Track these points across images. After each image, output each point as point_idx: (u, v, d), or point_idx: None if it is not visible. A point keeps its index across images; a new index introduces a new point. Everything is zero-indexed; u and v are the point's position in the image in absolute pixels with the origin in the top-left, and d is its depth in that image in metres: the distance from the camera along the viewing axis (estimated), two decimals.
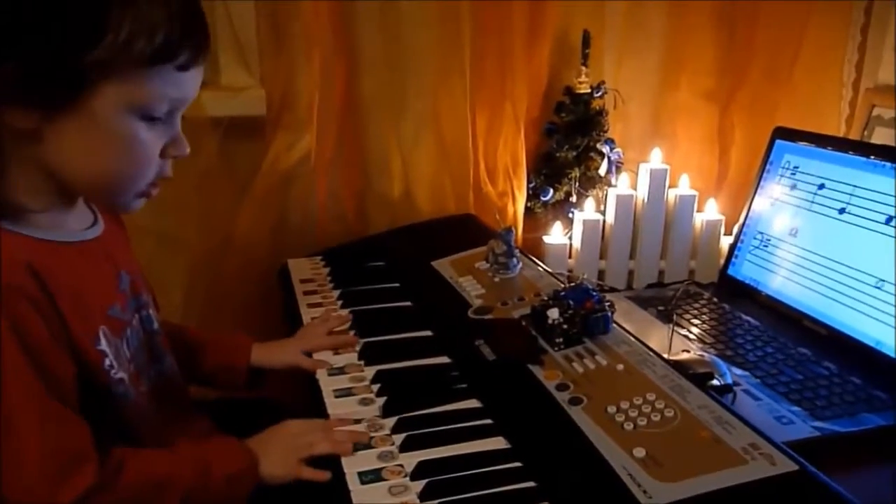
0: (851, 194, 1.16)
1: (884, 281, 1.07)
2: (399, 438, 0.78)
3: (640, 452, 0.70)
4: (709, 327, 1.18)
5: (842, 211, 1.16)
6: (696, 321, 1.20)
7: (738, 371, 1.03)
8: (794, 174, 1.27)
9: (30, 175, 0.69)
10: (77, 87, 0.64)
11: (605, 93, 1.45)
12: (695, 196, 1.46)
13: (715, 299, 1.28)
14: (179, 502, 0.71)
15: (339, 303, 1.12)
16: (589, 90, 1.43)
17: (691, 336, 1.15)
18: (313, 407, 0.87)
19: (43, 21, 0.62)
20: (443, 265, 1.20)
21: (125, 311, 0.79)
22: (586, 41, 1.40)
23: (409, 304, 1.12)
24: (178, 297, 1.30)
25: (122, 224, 0.88)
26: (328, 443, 0.78)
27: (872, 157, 1.14)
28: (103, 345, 0.73)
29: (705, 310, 1.24)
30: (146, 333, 0.84)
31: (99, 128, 0.67)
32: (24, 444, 0.63)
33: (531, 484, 0.70)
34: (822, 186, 1.21)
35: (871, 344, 1.06)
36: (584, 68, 1.42)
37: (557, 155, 1.45)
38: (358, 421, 0.82)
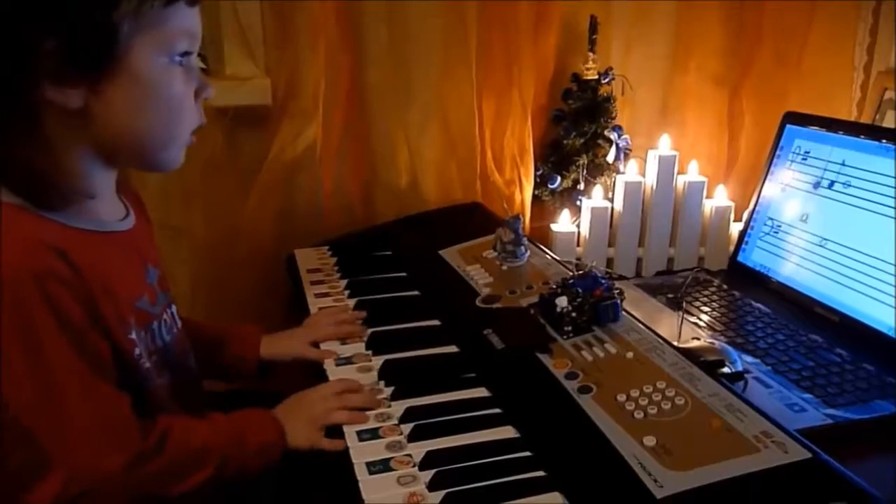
0: (863, 178, 1.14)
1: None
2: (407, 428, 0.77)
3: (650, 441, 0.69)
4: (719, 315, 1.17)
5: (853, 195, 1.15)
6: (705, 308, 1.19)
7: (749, 358, 1.02)
8: (804, 159, 1.26)
9: (76, 159, 0.71)
10: (113, 46, 0.67)
11: (613, 79, 1.44)
12: (704, 182, 1.45)
13: (725, 286, 1.27)
14: (217, 470, 0.74)
15: (347, 292, 1.12)
16: (596, 76, 1.41)
17: (701, 323, 1.14)
18: None
19: None
20: (450, 254, 1.19)
21: (154, 305, 0.81)
22: (593, 27, 1.39)
23: (416, 293, 1.11)
24: (185, 287, 1.29)
25: (149, 219, 0.90)
26: (344, 413, 0.80)
27: (884, 140, 1.13)
28: (133, 334, 0.75)
29: (715, 297, 1.23)
30: (178, 329, 0.86)
31: (141, 83, 0.69)
32: (71, 417, 0.66)
33: (541, 473, 0.70)
34: (833, 171, 1.20)
35: (884, 330, 1.05)
36: (591, 54, 1.40)
37: (565, 142, 1.44)
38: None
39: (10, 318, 0.64)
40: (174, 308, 0.86)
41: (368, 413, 0.81)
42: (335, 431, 0.79)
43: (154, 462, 0.70)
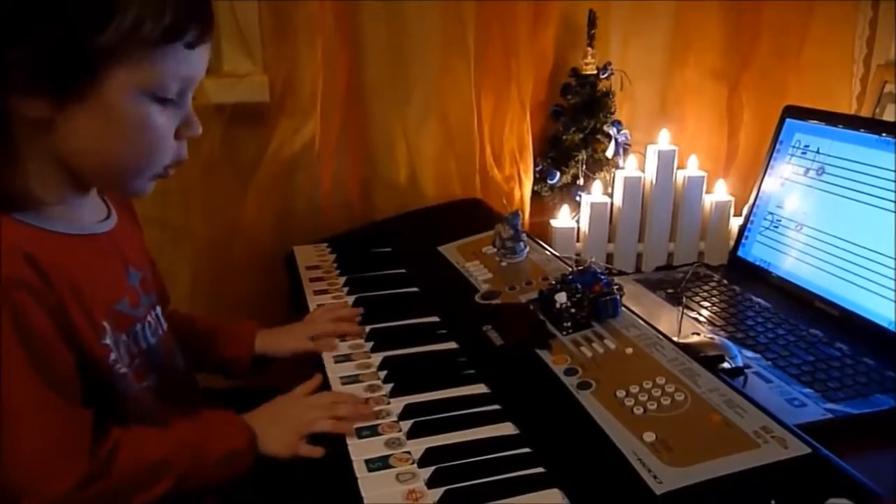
0: (863, 172, 1.14)
1: None
2: (406, 425, 0.77)
3: (650, 437, 0.69)
4: (719, 310, 1.17)
5: (852, 189, 1.15)
6: (705, 304, 1.19)
7: (749, 353, 1.02)
8: (804, 153, 1.25)
9: (43, 165, 0.69)
10: (87, 72, 0.64)
11: (612, 74, 1.43)
12: (703, 177, 1.44)
13: (725, 281, 1.27)
14: (176, 481, 0.71)
15: (346, 289, 1.11)
16: (595, 71, 1.41)
17: (701, 319, 1.14)
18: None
19: (52, 6, 0.62)
20: (449, 250, 1.19)
21: (136, 307, 0.79)
22: (592, 21, 1.38)
23: (415, 289, 1.11)
24: (185, 284, 1.29)
25: (136, 220, 0.88)
26: (329, 421, 0.77)
27: (884, 134, 1.12)
28: (108, 339, 0.73)
29: (715, 292, 1.23)
30: (164, 330, 0.84)
31: (111, 114, 0.67)
32: (21, 434, 0.64)
33: (540, 470, 0.70)
34: (833, 165, 1.19)
35: (884, 324, 1.04)
36: (590, 49, 1.40)
37: (564, 137, 1.44)
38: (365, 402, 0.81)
39: None
40: (159, 310, 0.84)
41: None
42: (328, 440, 0.77)
43: (103, 481, 0.67)
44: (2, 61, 0.62)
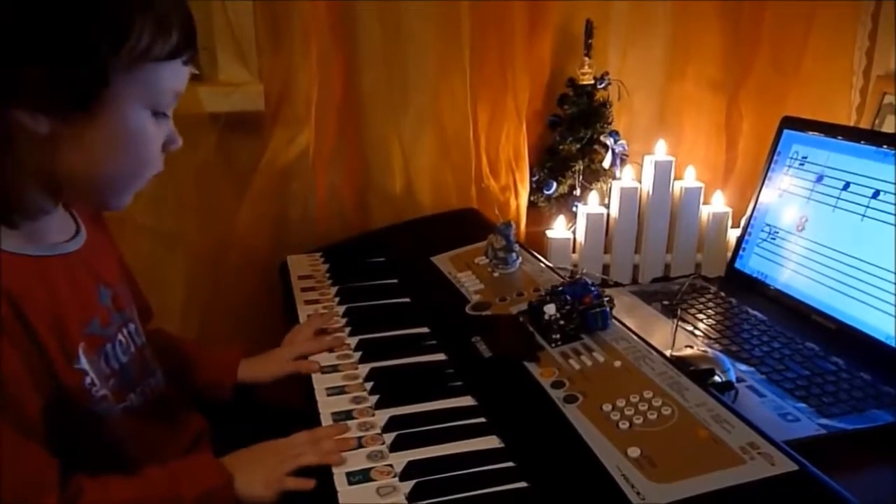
0: (862, 185, 1.13)
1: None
2: (390, 437, 0.76)
3: (634, 452, 0.68)
4: (714, 322, 1.16)
5: (851, 201, 1.13)
6: (701, 316, 1.18)
7: (743, 367, 1.01)
8: (802, 164, 1.24)
9: (28, 182, 0.69)
10: (99, 90, 0.65)
11: (609, 84, 1.43)
12: (701, 188, 1.43)
13: (722, 293, 1.26)
14: None
15: (337, 299, 1.11)
16: (592, 81, 1.40)
17: (697, 332, 1.13)
18: (306, 405, 0.85)
19: (70, 27, 0.63)
20: (442, 260, 1.18)
21: (107, 327, 0.77)
22: (589, 31, 1.38)
23: (406, 300, 1.10)
24: (179, 294, 1.29)
25: (107, 233, 0.87)
26: (315, 454, 0.75)
27: (884, 146, 1.11)
28: (83, 363, 0.71)
29: (711, 304, 1.22)
30: (137, 348, 0.82)
31: (116, 128, 0.68)
32: None
33: (523, 484, 0.68)
34: (831, 177, 1.18)
35: (882, 338, 1.03)
36: (587, 59, 1.39)
37: (561, 148, 1.43)
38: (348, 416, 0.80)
39: None
40: (132, 326, 0.82)
41: (350, 423, 0.79)
42: (315, 470, 0.74)
43: None
44: (12, 76, 0.62)
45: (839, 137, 1.20)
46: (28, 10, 0.62)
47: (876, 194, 1.10)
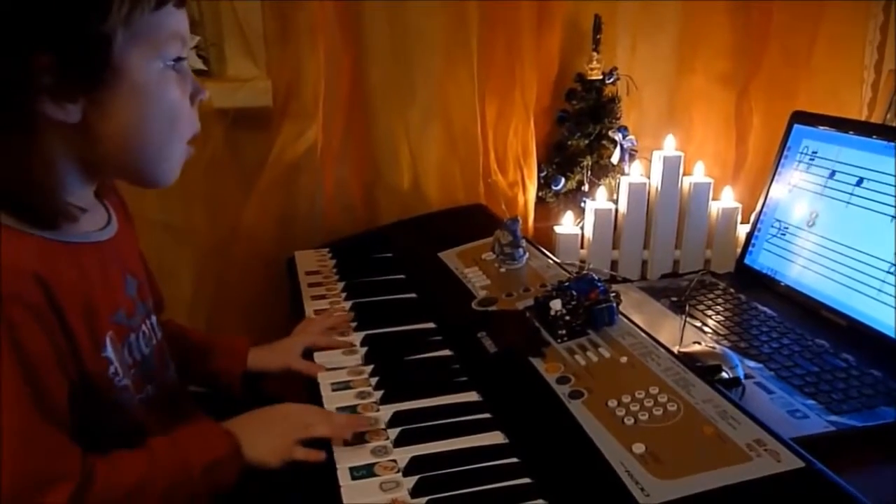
0: (874, 180, 1.11)
1: None
2: (394, 433, 0.76)
3: (639, 448, 0.68)
4: (723, 318, 1.15)
5: (862, 197, 1.12)
6: (710, 312, 1.17)
7: (752, 363, 1.00)
8: (812, 160, 1.23)
9: (68, 176, 0.69)
10: (109, 57, 0.65)
11: (618, 79, 1.42)
12: (710, 184, 1.42)
13: (731, 290, 1.25)
14: (162, 501, 0.68)
15: (343, 294, 1.11)
16: (601, 76, 1.40)
17: (706, 328, 1.12)
18: (311, 401, 0.85)
19: (60, 4, 0.63)
20: (449, 256, 1.18)
21: (132, 317, 0.78)
22: (597, 26, 1.37)
23: (413, 295, 1.10)
24: (187, 288, 1.29)
25: (132, 225, 0.87)
26: (328, 426, 0.75)
27: None
28: (109, 352, 0.72)
29: (720, 300, 1.21)
30: (157, 340, 0.83)
31: (139, 91, 0.68)
32: (3, 457, 0.61)
33: (527, 480, 0.68)
34: (844, 172, 1.17)
35: (893, 335, 1.02)
36: (595, 54, 1.38)
37: (569, 143, 1.43)
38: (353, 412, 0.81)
39: None
40: (154, 319, 0.83)
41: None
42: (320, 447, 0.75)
43: None
44: (25, 68, 0.63)
45: (850, 132, 1.18)
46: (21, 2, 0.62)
47: (887, 189, 1.08)
